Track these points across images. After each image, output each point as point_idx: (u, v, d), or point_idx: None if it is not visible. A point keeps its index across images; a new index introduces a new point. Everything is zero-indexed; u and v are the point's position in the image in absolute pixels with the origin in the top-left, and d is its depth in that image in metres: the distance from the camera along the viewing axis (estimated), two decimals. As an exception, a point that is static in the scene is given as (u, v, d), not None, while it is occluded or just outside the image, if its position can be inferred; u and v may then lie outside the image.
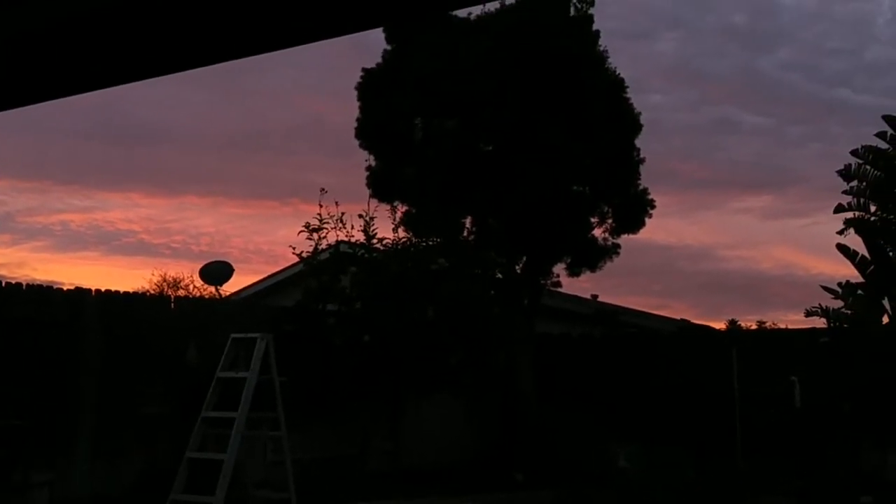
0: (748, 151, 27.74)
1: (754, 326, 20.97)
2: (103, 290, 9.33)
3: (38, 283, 10.54)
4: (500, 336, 12.47)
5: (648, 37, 21.97)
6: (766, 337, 15.11)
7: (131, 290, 10.62)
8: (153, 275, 24.57)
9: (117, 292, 9.59)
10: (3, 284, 8.66)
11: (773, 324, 21.55)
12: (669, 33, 23.71)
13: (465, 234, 13.32)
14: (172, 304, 11.09)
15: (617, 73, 13.32)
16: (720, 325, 21.36)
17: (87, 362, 8.93)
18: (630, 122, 13.35)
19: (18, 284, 8.79)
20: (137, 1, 2.07)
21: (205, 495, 8.30)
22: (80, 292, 9.16)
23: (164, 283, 19.75)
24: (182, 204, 28.82)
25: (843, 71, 25.25)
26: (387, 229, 11.93)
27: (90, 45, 2.34)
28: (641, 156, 13.50)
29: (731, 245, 34.09)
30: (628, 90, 13.38)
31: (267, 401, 9.29)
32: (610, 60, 13.19)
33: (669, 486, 10.88)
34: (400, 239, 12.03)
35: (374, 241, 11.70)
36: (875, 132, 15.02)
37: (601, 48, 13.14)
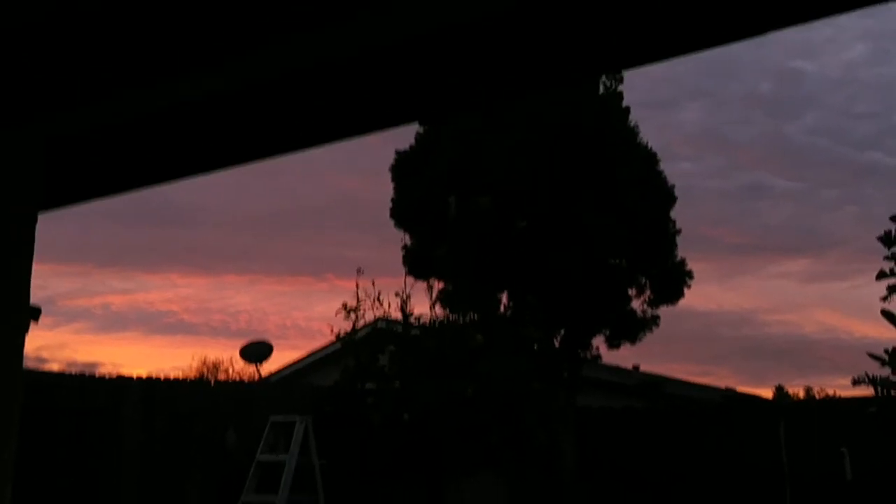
0: (782, 216, 27.59)
1: (802, 393, 20.58)
2: (145, 376, 9.44)
3: (80, 364, 10.68)
4: (541, 411, 12.33)
5: (674, 106, 22.13)
6: (814, 406, 14.79)
7: (172, 375, 10.72)
8: (193, 358, 24.82)
9: (158, 379, 9.70)
10: (47, 372, 8.79)
11: (822, 389, 21.13)
12: (694, 102, 23.89)
13: (502, 309, 13.31)
14: (212, 387, 11.16)
15: (648, 146, 13.41)
16: (766, 393, 21.02)
17: (128, 448, 8.98)
18: (664, 195, 13.38)
19: (63, 374, 8.92)
20: (179, 111, 2.16)
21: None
22: (122, 380, 9.27)
23: (205, 366, 19.92)
24: (220, 283, 29.25)
25: (873, 134, 25.19)
26: (424, 306, 11.99)
27: (136, 148, 2.44)
28: (677, 227, 13.49)
29: (772, 310, 33.67)
30: (660, 163, 13.46)
31: (307, 483, 9.26)
32: (641, 135, 13.30)
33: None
34: (437, 316, 12.06)
35: (412, 318, 11.73)
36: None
37: (632, 123, 13.26)
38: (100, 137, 2.39)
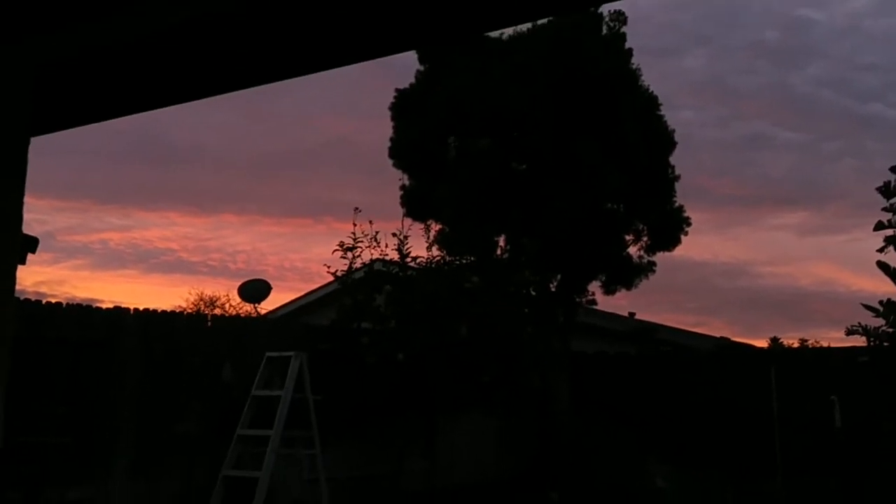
0: (782, 167, 27.47)
1: (797, 344, 20.72)
2: (142, 309, 9.48)
3: (78, 300, 10.74)
4: (534, 354, 12.44)
5: (677, 53, 21.89)
6: (806, 355, 14.91)
7: (169, 309, 10.77)
8: (191, 293, 24.91)
9: (155, 311, 9.74)
10: (44, 303, 8.83)
11: (816, 342, 21.26)
12: (698, 49, 23.62)
13: (499, 252, 13.34)
14: (209, 323, 11.23)
15: (650, 90, 13.31)
16: (762, 343, 21.13)
17: (125, 381, 9.07)
18: (664, 140, 13.32)
19: (59, 304, 8.96)
20: (177, 31, 2.14)
21: (240, 513, 8.37)
22: (119, 311, 9.32)
23: (202, 302, 20.02)
24: (218, 222, 29.24)
25: (877, 86, 24.97)
26: (421, 248, 12.00)
27: (133, 70, 2.42)
28: (676, 173, 13.46)
29: (768, 262, 33.75)
30: (661, 107, 13.37)
31: (302, 419, 9.37)
32: (643, 78, 13.19)
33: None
34: (434, 257, 12.09)
35: (409, 259, 11.76)
36: (915, 147, 14.82)
37: (634, 66, 13.14)
38: (89, 62, 2.37)
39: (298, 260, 30.74)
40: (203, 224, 30.13)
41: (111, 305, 9.34)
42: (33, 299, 8.79)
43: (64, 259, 27.92)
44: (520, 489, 12.04)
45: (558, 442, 12.92)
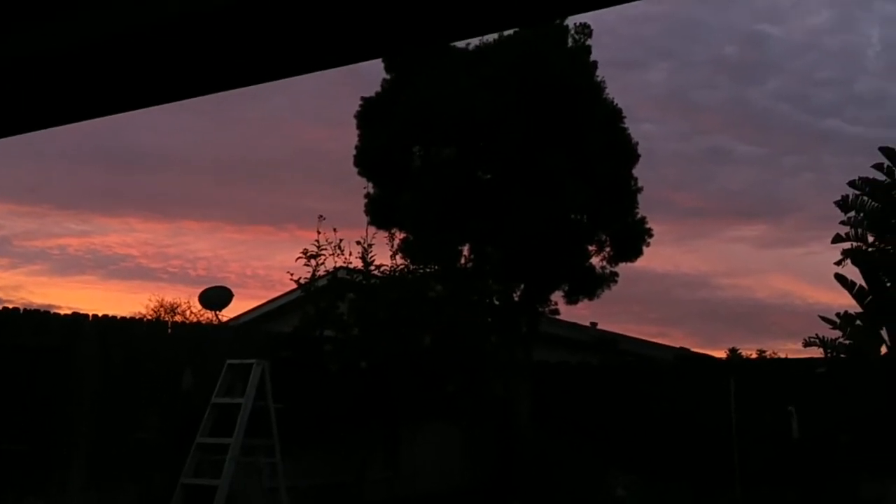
0: (741, 181, 27.88)
1: (755, 355, 20.99)
2: (100, 315, 9.35)
3: (36, 306, 10.56)
4: (498, 364, 12.46)
5: (639, 67, 22.15)
6: (764, 366, 15.10)
7: (129, 316, 10.63)
8: (150, 300, 24.63)
9: (114, 318, 9.61)
10: (1, 309, 8.68)
11: (774, 353, 21.57)
12: (661, 63, 23.90)
13: (463, 261, 13.35)
14: (169, 330, 11.11)
15: (614, 103, 13.42)
16: (720, 354, 21.38)
17: (82, 388, 8.93)
18: (628, 152, 13.43)
19: (16, 310, 8.81)
20: (141, 32, 2.11)
21: (199, 522, 8.27)
22: (77, 318, 9.18)
23: (162, 309, 19.79)
24: (179, 229, 28.94)
25: (834, 102, 25.44)
26: (385, 256, 11.97)
27: (94, 72, 2.39)
28: (639, 185, 13.58)
29: (728, 273, 34.19)
30: (625, 120, 13.49)
31: (263, 427, 9.29)
32: (607, 91, 13.31)
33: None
34: (398, 266, 12.06)
35: (373, 267, 11.72)
36: (871, 163, 15.13)
37: (598, 78, 13.25)
38: (49, 64, 2.33)
39: (261, 267, 30.50)
40: (163, 230, 29.80)
41: (69, 312, 9.17)
42: (-11, 305, 8.64)
43: (21, 264, 27.48)
44: (483, 498, 12.04)
45: (520, 452, 12.94)
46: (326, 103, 20.37)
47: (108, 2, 2.01)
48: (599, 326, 17.91)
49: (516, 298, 13.52)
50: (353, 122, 13.50)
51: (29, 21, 2.15)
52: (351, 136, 13.45)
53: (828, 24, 23.94)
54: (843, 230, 15.31)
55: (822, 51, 24.27)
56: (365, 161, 13.33)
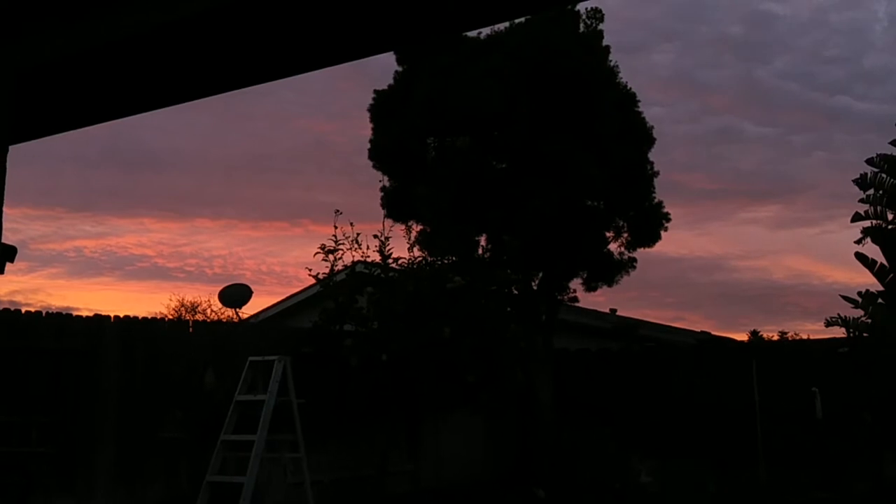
0: (753, 161, 27.67)
1: (776, 337, 20.87)
2: (122, 316, 9.41)
3: (55, 309, 10.64)
4: (518, 353, 12.44)
5: (645, 49, 22.01)
6: (786, 348, 15.03)
7: (149, 316, 10.70)
8: (171, 299, 24.79)
9: (136, 318, 9.67)
10: (24, 313, 8.75)
11: (795, 334, 21.44)
12: (666, 44, 23.73)
13: (481, 251, 13.35)
14: (191, 329, 11.16)
15: (628, 87, 13.35)
16: (741, 337, 21.30)
17: (107, 389, 9.00)
18: (643, 136, 13.37)
19: (38, 313, 8.87)
20: (147, 37, 2.12)
21: (225, 519, 8.33)
22: (99, 319, 9.24)
23: (183, 308, 19.91)
24: (193, 227, 29.07)
25: (842, 79, 25.20)
26: (402, 248, 11.99)
27: (107, 76, 2.40)
28: (655, 169, 13.52)
29: (743, 255, 34.02)
30: (639, 104, 13.43)
31: (285, 423, 9.33)
32: (620, 75, 13.24)
33: (691, 501, 10.81)
34: (415, 258, 12.07)
35: (390, 260, 11.73)
36: (882, 140, 14.97)
37: (611, 63, 13.18)
38: (67, 69, 2.35)
39: (276, 264, 30.57)
40: (178, 229, 29.90)
41: (90, 313, 9.24)
42: (12, 309, 8.72)
43: (39, 268, 27.66)
44: (506, 488, 12.06)
45: (543, 440, 12.95)
46: (331, 97, 20.39)
47: (124, 5, 2.02)
48: (618, 312, 17.90)
49: (535, 287, 13.51)
50: (365, 115, 13.52)
51: (43, 28, 2.16)
52: (363, 129, 13.48)
53: (834, 0, 23.72)
54: (863, 208, 15.15)
55: (828, 28, 24.05)
56: (379, 154, 13.33)
